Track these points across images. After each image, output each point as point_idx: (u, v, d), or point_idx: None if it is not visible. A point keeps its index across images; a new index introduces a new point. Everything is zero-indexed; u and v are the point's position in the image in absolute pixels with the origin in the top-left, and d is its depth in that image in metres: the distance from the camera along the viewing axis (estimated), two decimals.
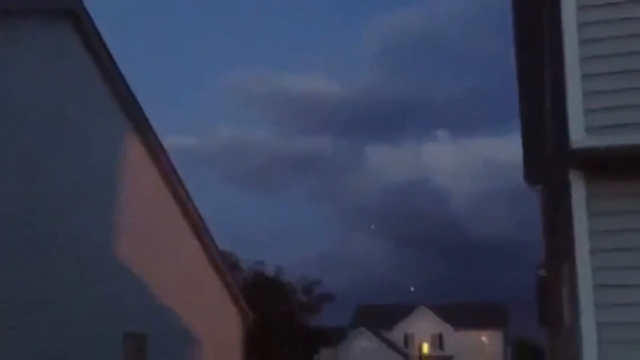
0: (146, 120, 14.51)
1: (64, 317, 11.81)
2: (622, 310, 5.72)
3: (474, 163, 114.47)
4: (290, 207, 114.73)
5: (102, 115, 13.36)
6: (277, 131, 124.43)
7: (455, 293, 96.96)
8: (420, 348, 69.45)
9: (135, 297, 14.02)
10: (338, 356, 61.05)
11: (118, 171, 13.76)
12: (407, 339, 70.15)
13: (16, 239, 10.88)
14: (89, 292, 12.55)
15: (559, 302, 9.74)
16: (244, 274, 46.08)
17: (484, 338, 68.09)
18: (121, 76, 13.67)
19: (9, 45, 11.06)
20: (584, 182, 5.93)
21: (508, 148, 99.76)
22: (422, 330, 69.67)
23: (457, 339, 68.13)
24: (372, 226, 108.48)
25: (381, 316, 69.70)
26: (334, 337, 60.04)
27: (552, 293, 12.05)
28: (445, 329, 69.19)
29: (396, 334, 69.77)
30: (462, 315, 67.83)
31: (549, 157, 9.46)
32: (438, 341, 69.74)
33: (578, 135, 5.86)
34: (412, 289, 78.79)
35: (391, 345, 65.93)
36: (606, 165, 5.89)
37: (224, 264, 18.63)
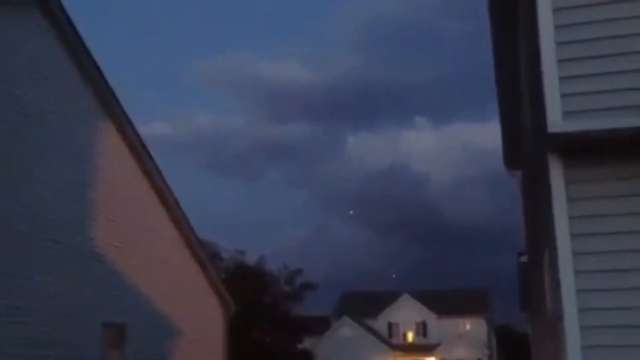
0: (121, 108, 14.36)
1: (43, 307, 11.70)
2: (604, 296, 5.69)
3: (453, 149, 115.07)
4: (270, 194, 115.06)
5: (76, 104, 13.20)
6: (254, 118, 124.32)
7: (438, 279, 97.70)
8: (404, 337, 69.81)
9: (115, 287, 13.94)
10: (322, 345, 61.16)
11: (94, 160, 13.60)
12: (390, 327, 70.42)
13: None
14: (67, 282, 12.43)
15: (540, 287, 9.73)
16: (225, 263, 45.94)
17: (467, 325, 68.51)
18: (95, 64, 13.52)
19: None
20: (562, 166, 5.89)
21: (487, 133, 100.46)
22: (406, 318, 69.95)
23: (441, 326, 68.49)
24: (351, 212, 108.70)
25: (364, 304, 69.87)
26: (318, 326, 60.13)
27: (534, 278, 12.05)
28: (429, 316, 69.51)
29: (380, 322, 70.01)
30: (445, 302, 68.16)
31: (527, 142, 9.42)
32: (422, 329, 70.08)
33: (555, 120, 5.83)
34: (393, 275, 79.10)
35: (375, 333, 66.15)
36: (584, 150, 5.86)
37: (205, 254, 18.53)
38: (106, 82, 13.87)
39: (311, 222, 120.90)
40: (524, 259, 14.30)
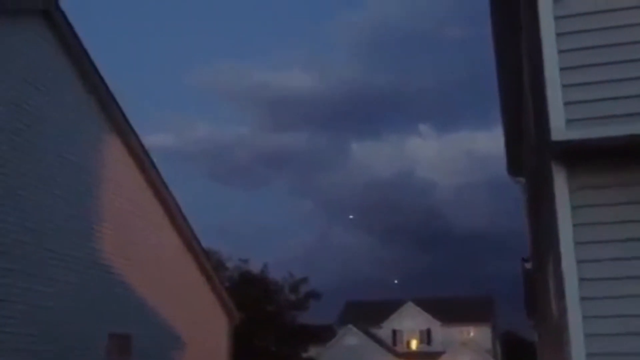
0: (125, 118, 14.39)
1: (48, 318, 11.72)
2: (608, 303, 5.68)
3: (457, 156, 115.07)
4: (273, 203, 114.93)
5: (79, 113, 13.23)
6: (257, 127, 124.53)
7: (442, 286, 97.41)
8: (408, 344, 69.61)
9: (119, 297, 13.94)
10: (326, 354, 61.02)
11: (97, 170, 13.62)
12: (395, 335, 70.24)
13: None
14: (72, 292, 12.45)
15: (546, 294, 9.71)
16: (229, 272, 45.88)
17: (472, 332, 68.30)
18: (97, 73, 13.56)
19: None
20: (565, 174, 5.90)
21: (491, 140, 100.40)
22: (410, 326, 69.79)
23: (445, 334, 68.30)
24: (351, 216, 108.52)
25: (369, 312, 69.75)
26: (322, 334, 60.02)
27: (539, 285, 12.03)
28: (433, 324, 69.34)
29: (384, 330, 69.85)
30: (450, 310, 68.00)
31: (530, 150, 9.42)
32: (426, 337, 69.90)
33: (558, 128, 5.83)
34: (395, 281, 78.84)
35: (379, 341, 65.99)
36: (588, 157, 5.86)
37: (209, 263, 18.53)
38: (109, 91, 13.91)
39: (315, 230, 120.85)
40: (528, 265, 14.29)
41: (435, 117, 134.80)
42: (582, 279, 5.75)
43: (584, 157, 5.87)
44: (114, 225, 13.90)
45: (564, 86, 5.93)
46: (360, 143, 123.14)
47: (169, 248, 16.28)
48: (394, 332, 70.34)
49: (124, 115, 14.40)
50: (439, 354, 65.22)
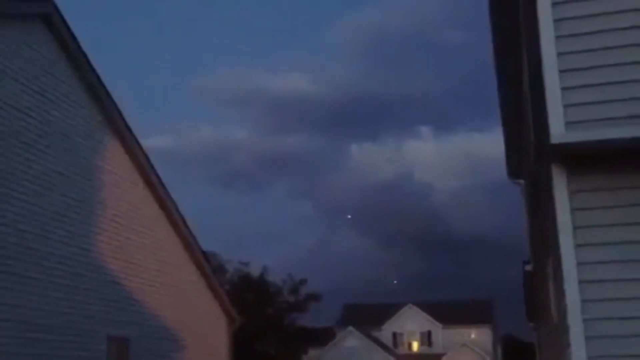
0: (125, 122, 14.41)
1: (46, 321, 11.72)
2: (609, 306, 5.68)
3: (457, 158, 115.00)
4: (273, 206, 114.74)
5: (80, 118, 13.24)
6: (256, 130, 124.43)
7: (442, 289, 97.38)
8: (409, 346, 69.56)
9: (119, 300, 13.94)
10: (326, 356, 60.96)
11: (98, 174, 13.63)
12: (395, 337, 70.18)
13: (1, 245, 10.79)
14: (72, 296, 12.45)
15: (546, 297, 9.71)
16: (229, 275, 45.89)
17: (472, 334, 68.25)
18: (98, 78, 13.59)
19: None
20: (565, 177, 5.89)
21: (490, 142, 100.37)
22: (411, 328, 69.75)
23: (446, 337, 68.25)
24: (349, 216, 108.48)
25: (369, 315, 69.67)
26: (322, 336, 59.98)
27: (539, 288, 12.03)
28: (434, 326, 69.30)
29: (384, 333, 69.79)
30: (450, 312, 67.96)
31: (530, 152, 9.42)
32: (427, 339, 69.85)
33: (558, 131, 5.83)
34: (395, 282, 78.70)
35: (380, 343, 65.94)
36: (587, 160, 5.86)
37: (209, 266, 18.52)
38: (109, 96, 13.93)
39: (314, 233, 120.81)
40: (528, 267, 14.26)
41: (434, 119, 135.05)
42: (582, 282, 5.74)
43: (584, 159, 5.87)
44: (113, 228, 13.91)
45: (563, 89, 5.92)
46: (360, 146, 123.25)
47: (169, 251, 16.28)
48: (395, 334, 70.27)
49: (123, 118, 14.42)
50: (440, 356, 65.20)
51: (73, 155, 12.85)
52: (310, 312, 51.65)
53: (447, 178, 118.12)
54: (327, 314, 69.85)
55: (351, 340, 63.38)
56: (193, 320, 16.86)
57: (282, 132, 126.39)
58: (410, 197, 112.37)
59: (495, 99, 11.50)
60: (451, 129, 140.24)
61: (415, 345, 69.96)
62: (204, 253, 18.18)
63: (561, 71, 5.98)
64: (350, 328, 64.14)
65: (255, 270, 48.59)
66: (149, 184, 15.42)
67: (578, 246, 5.80)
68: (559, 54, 6.02)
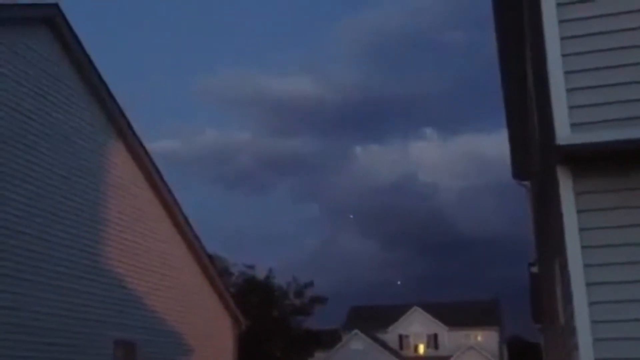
0: (129, 125, 14.43)
1: (54, 325, 11.74)
2: (616, 308, 5.65)
3: (462, 159, 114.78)
4: (278, 208, 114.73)
5: (85, 121, 13.28)
6: (260, 132, 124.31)
7: (448, 291, 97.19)
8: (415, 349, 69.43)
9: (125, 304, 13.95)
10: (332, 359, 60.90)
11: (103, 177, 13.65)
12: (401, 339, 70.08)
13: (3, 248, 10.80)
14: (78, 300, 12.46)
15: (552, 299, 9.67)
16: (234, 278, 45.88)
17: (479, 337, 68.12)
18: (102, 81, 13.62)
19: None
20: (571, 178, 5.87)
21: (495, 143, 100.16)
22: (417, 330, 69.64)
23: (452, 339, 68.13)
24: (351, 215, 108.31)
25: (375, 317, 69.61)
26: (328, 339, 59.91)
27: (545, 290, 11.98)
28: (440, 328, 69.17)
29: (390, 335, 69.70)
30: (456, 314, 67.84)
31: (535, 153, 9.40)
32: (433, 341, 69.72)
33: (563, 132, 5.81)
34: (399, 282, 78.47)
35: (386, 346, 65.84)
36: (593, 161, 5.84)
37: (214, 269, 18.53)
38: (113, 98, 13.96)
39: (320, 235, 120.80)
40: (534, 269, 14.22)
41: (438, 120, 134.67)
42: (589, 284, 5.71)
43: (590, 161, 5.84)
44: (119, 231, 13.93)
45: (569, 90, 5.91)
46: (364, 147, 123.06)
47: (174, 254, 16.28)
48: (401, 336, 70.17)
49: (128, 121, 14.44)
50: (446, 358, 65.05)
51: (76, 158, 12.88)
52: (316, 315, 51.57)
53: (452, 179, 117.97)
54: (333, 316, 69.78)
55: (357, 342, 63.32)
56: (199, 323, 16.86)
57: (286, 134, 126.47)
58: (415, 199, 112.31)
59: (500, 99, 11.47)
60: (455, 129, 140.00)
61: (421, 348, 69.84)
62: (209, 256, 18.18)
63: (566, 72, 5.96)
64: (356, 331, 64.07)
65: (260, 273, 48.60)
66: (153, 186, 15.43)
67: (584, 248, 5.78)
68: (564, 55, 6.00)
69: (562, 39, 6.05)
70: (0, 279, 10.70)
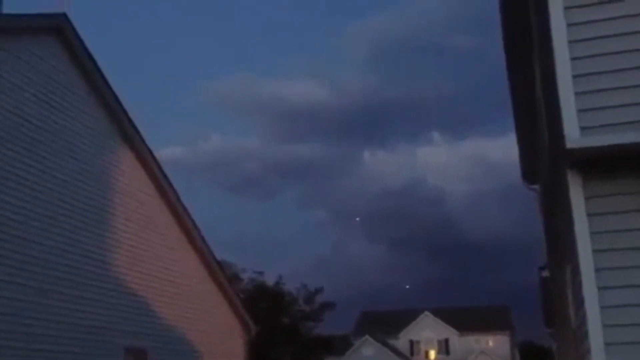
0: (137, 132, 14.48)
1: (65, 333, 11.75)
2: (628, 312, 5.61)
3: (470, 163, 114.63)
4: (286, 214, 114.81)
5: (93, 129, 13.33)
6: (268, 138, 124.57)
7: (458, 296, 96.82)
8: (426, 354, 69.19)
9: (135, 311, 13.96)
10: None
11: (111, 185, 13.68)
12: (412, 345, 69.87)
13: (12, 256, 10.83)
14: (88, 307, 12.48)
15: (563, 303, 9.61)
16: (244, 284, 45.93)
17: (490, 342, 67.83)
18: (109, 88, 13.68)
19: None
20: (581, 182, 5.84)
21: (504, 146, 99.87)
22: (428, 336, 69.42)
23: (463, 344, 67.87)
24: (357, 218, 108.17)
25: (385, 323, 69.46)
26: (338, 345, 59.78)
27: (557, 293, 11.92)
28: (451, 333, 68.92)
29: (401, 341, 69.50)
30: (467, 319, 67.61)
31: (544, 157, 9.36)
32: (444, 346, 69.48)
33: (572, 135, 5.78)
34: (407, 286, 78.22)
35: (397, 352, 65.66)
36: (603, 165, 5.81)
37: (224, 276, 18.52)
38: (121, 106, 14.02)
39: (328, 241, 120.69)
40: (545, 273, 14.15)
41: (446, 124, 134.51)
42: (600, 287, 5.68)
43: (599, 164, 5.82)
44: (128, 239, 13.95)
45: (577, 94, 5.88)
46: (372, 152, 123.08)
47: (183, 260, 16.30)
48: (411, 342, 69.99)
49: (136, 129, 14.48)
50: None
51: (86, 166, 12.92)
52: (326, 320, 51.54)
53: (460, 183, 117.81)
54: (342, 322, 69.66)
55: (368, 348, 63.20)
56: (209, 330, 16.85)
57: (293, 139, 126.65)
58: (423, 203, 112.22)
59: (508, 102, 11.44)
60: (462, 133, 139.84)
61: (432, 354, 69.60)
62: (218, 262, 18.19)
63: (575, 76, 5.94)
64: (367, 336, 63.95)
65: (269, 279, 48.62)
66: (161, 193, 15.46)
67: (595, 252, 5.74)
68: (573, 59, 5.98)
69: (570, 42, 6.03)
70: (5, 286, 10.70)
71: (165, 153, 71.06)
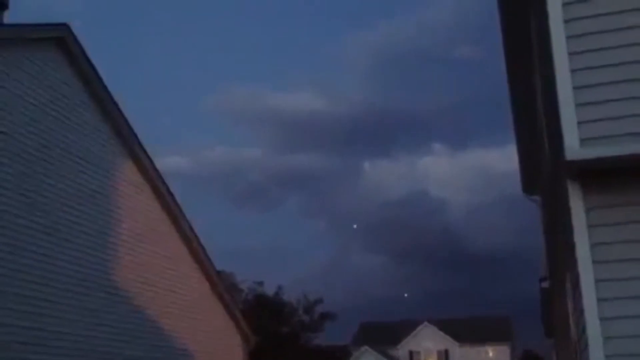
0: (139, 143, 14.50)
1: (64, 344, 11.73)
2: (628, 323, 5.62)
3: (471, 174, 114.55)
4: (287, 224, 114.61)
5: (95, 140, 13.35)
6: (270, 149, 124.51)
7: (458, 307, 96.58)
8: None
9: (135, 322, 13.93)
10: None
11: (113, 196, 13.69)
12: (412, 356, 69.66)
13: (13, 267, 10.82)
14: (88, 317, 12.46)
15: (564, 314, 9.62)
16: (244, 294, 45.86)
17: (490, 352, 67.64)
18: (113, 101, 13.70)
19: (1, 72, 11.09)
20: (581, 193, 5.86)
21: (505, 157, 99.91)
22: (427, 346, 69.23)
23: (463, 355, 67.66)
24: (354, 225, 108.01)
25: (385, 333, 69.30)
26: (338, 355, 59.64)
27: (557, 304, 11.92)
28: (451, 344, 68.74)
29: (401, 352, 69.31)
30: (467, 330, 67.45)
31: (545, 168, 9.38)
32: (444, 357, 69.27)
33: (573, 147, 5.80)
34: (405, 295, 78.10)
35: None
36: (603, 176, 5.82)
37: (224, 286, 18.51)
38: (123, 117, 14.04)
39: (329, 251, 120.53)
40: (545, 284, 14.15)
41: (447, 135, 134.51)
42: (600, 299, 5.69)
43: (600, 175, 5.83)
44: (128, 249, 13.94)
45: (578, 105, 5.91)
46: (373, 162, 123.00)
47: (183, 270, 16.28)
48: (411, 352, 69.77)
49: (138, 140, 14.51)
50: None
51: (87, 177, 12.93)
52: (326, 331, 51.44)
53: (461, 194, 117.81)
54: (342, 332, 69.53)
55: (367, 359, 63.00)
56: (208, 340, 16.82)
57: (295, 150, 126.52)
58: (425, 214, 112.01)
59: (509, 114, 11.48)
60: (464, 144, 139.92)
61: None
62: (218, 272, 18.17)
63: (575, 87, 5.96)
64: (366, 347, 63.79)
65: (269, 289, 48.55)
66: (164, 204, 15.47)
67: (596, 263, 5.75)
68: (573, 70, 6.00)
69: (571, 54, 6.05)
70: (5, 297, 10.68)
71: (168, 163, 71.10)
